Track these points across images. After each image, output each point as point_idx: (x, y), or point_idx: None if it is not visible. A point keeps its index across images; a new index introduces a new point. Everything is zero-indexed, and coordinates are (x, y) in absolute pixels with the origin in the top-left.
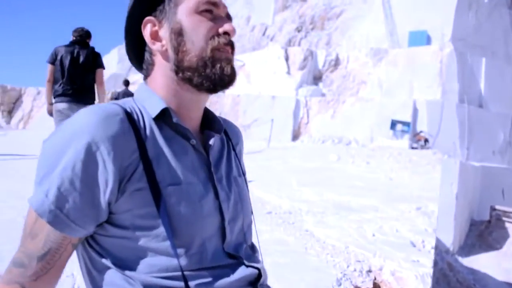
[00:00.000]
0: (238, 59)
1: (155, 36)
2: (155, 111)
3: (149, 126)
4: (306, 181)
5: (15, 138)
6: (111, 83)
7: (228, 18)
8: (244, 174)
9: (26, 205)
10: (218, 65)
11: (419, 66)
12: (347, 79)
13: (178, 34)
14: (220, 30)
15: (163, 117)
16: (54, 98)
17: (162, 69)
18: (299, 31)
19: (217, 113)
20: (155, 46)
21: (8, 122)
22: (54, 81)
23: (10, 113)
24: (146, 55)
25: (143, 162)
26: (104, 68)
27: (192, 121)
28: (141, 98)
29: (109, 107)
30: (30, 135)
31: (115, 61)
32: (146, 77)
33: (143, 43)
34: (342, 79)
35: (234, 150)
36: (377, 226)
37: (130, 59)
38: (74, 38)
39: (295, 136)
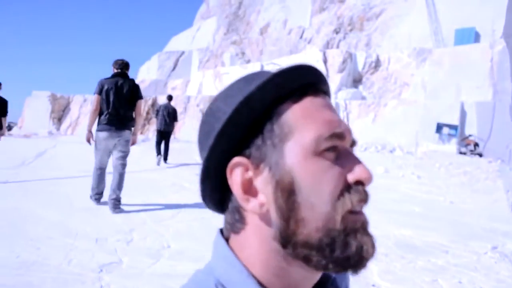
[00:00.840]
0: (275, 62)
1: (249, 188)
2: None
3: None
4: None
5: (64, 149)
6: (152, 88)
7: (353, 145)
8: None
9: (75, 244)
10: (354, 243)
11: (466, 65)
12: (388, 81)
13: (288, 192)
14: (351, 178)
15: None
16: (98, 126)
17: (258, 235)
18: (337, 33)
19: None
20: (249, 205)
21: (58, 129)
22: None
23: (59, 120)
24: (231, 206)
25: None
26: (142, 99)
27: None
28: (225, 277)
29: None
30: (78, 145)
31: (155, 67)
32: (228, 230)
33: (225, 183)
34: (383, 81)
35: None
36: (455, 280)
37: (205, 200)
38: (116, 71)
39: None
